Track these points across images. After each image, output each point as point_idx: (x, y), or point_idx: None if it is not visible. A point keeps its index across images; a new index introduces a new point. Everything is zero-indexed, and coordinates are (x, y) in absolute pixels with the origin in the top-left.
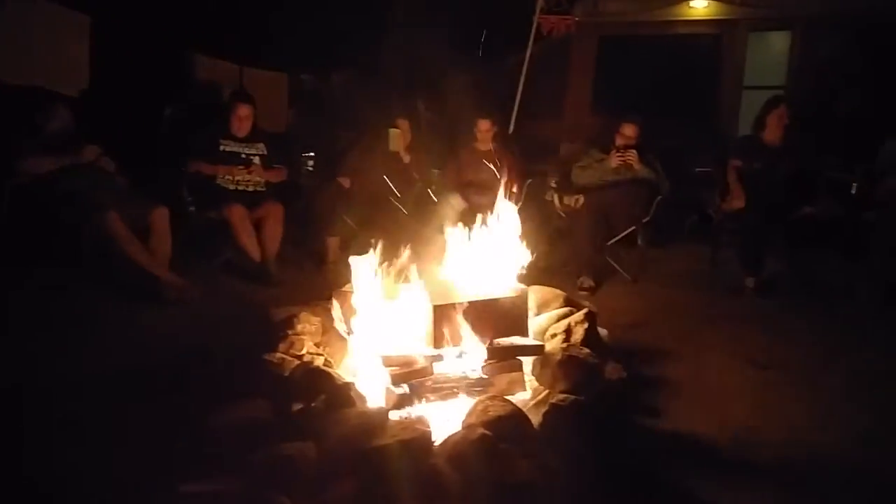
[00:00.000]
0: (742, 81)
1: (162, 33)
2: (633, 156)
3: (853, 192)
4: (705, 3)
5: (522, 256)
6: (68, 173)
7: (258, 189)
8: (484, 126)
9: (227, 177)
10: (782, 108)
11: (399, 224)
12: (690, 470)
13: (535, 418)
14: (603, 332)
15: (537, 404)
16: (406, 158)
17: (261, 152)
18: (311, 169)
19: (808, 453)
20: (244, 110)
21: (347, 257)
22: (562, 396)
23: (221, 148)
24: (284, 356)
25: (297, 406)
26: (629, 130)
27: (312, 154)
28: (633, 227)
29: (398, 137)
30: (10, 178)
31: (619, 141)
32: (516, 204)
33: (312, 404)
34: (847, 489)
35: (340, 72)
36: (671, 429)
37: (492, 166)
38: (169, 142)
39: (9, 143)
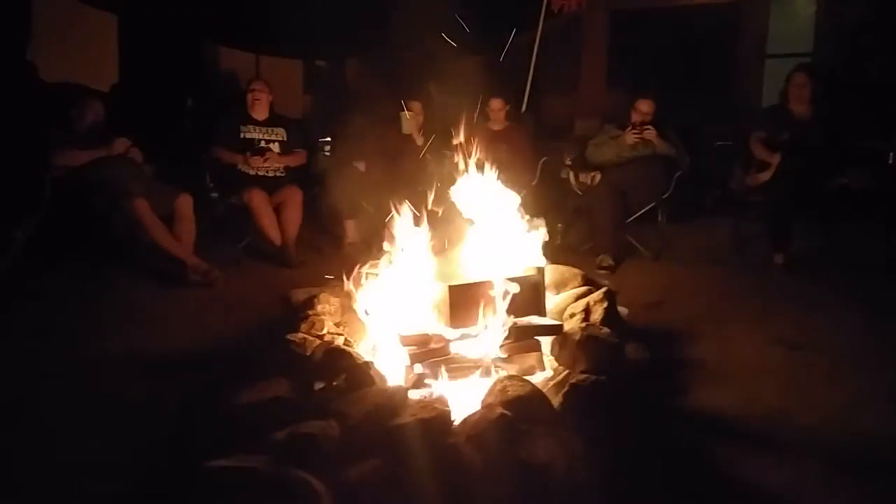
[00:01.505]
0: (765, 50)
1: (181, 27)
2: (650, 132)
3: (890, 161)
4: None
5: (539, 235)
6: (99, 164)
7: (278, 174)
8: (496, 105)
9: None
10: (801, 76)
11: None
12: (718, 449)
13: (555, 398)
14: (623, 310)
15: (557, 384)
16: (419, 140)
17: (280, 138)
18: (327, 154)
19: (847, 434)
20: (260, 90)
21: (364, 239)
22: (582, 376)
23: (242, 135)
24: (306, 336)
25: (319, 385)
26: (645, 106)
27: (329, 139)
28: (652, 204)
29: (411, 120)
30: (48, 170)
31: (634, 117)
32: (531, 182)
33: (334, 383)
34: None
35: (353, 56)
36: (697, 408)
37: (505, 145)
38: (191, 131)
39: (46, 137)
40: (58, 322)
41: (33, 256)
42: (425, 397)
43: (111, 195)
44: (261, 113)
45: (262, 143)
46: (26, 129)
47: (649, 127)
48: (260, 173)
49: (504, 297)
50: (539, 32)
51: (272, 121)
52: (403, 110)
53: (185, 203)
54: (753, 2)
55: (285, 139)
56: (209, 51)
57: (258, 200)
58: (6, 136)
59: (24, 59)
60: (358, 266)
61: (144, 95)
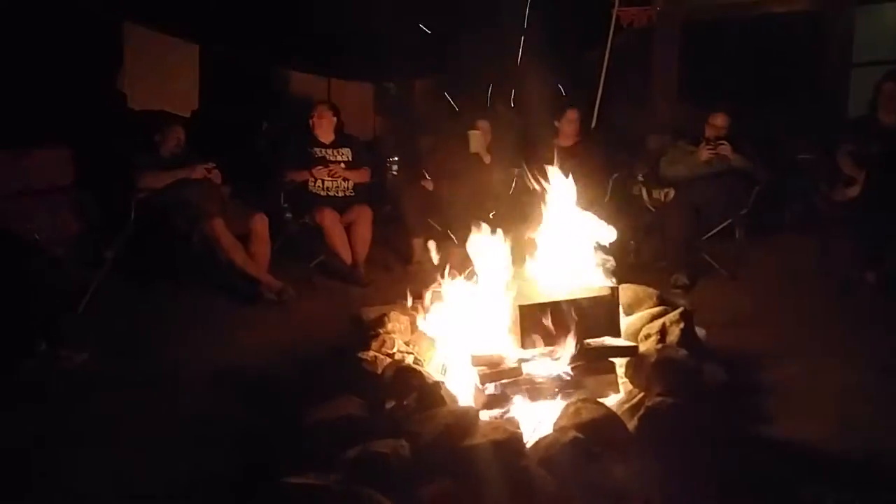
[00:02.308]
0: (850, 59)
1: (257, 55)
2: (724, 147)
3: None
4: None
5: (612, 253)
6: (181, 186)
7: (348, 194)
8: (571, 115)
9: (318, 183)
10: (891, 85)
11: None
12: (805, 480)
13: (630, 422)
14: (700, 331)
15: (632, 407)
16: (487, 159)
17: (346, 158)
18: (395, 173)
19: None
20: (325, 114)
21: (432, 258)
22: (658, 400)
23: (309, 156)
24: (377, 354)
25: (390, 404)
26: (719, 120)
27: (397, 159)
28: (729, 220)
29: (479, 139)
30: (134, 193)
31: (708, 132)
32: (603, 199)
33: (405, 402)
34: None
35: (422, 78)
36: (782, 436)
37: (576, 161)
38: (266, 154)
39: (133, 161)
40: (140, 337)
41: (120, 273)
42: (496, 418)
43: (191, 215)
44: (326, 135)
45: (328, 161)
46: (116, 155)
47: (724, 142)
48: (331, 194)
49: (576, 317)
50: (608, 47)
51: (338, 142)
52: (472, 129)
53: (261, 223)
54: (838, 9)
55: (351, 159)
56: (283, 76)
57: (330, 220)
58: (99, 162)
59: (115, 88)
60: (427, 284)
61: (222, 120)
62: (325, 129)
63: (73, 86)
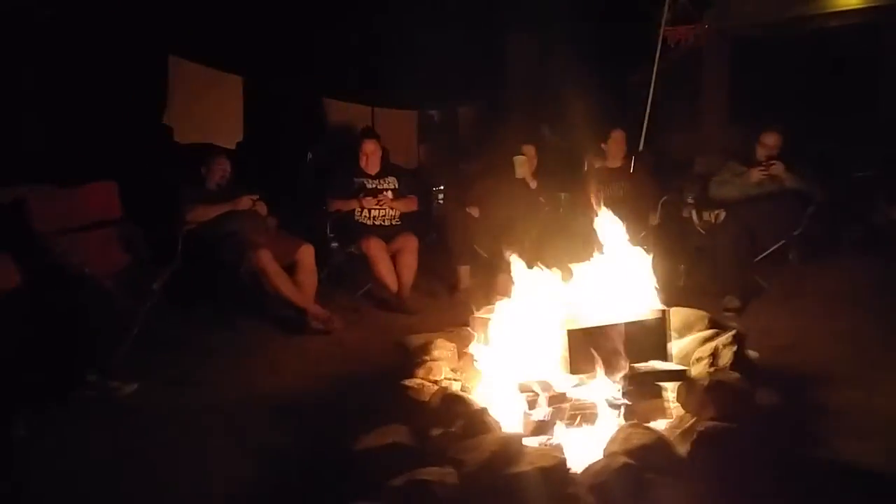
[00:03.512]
0: None
1: (301, 86)
2: (776, 166)
3: None
4: None
5: (661, 276)
6: (227, 218)
7: (394, 223)
8: (618, 136)
9: (364, 213)
10: None
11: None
12: None
13: (682, 447)
14: (753, 354)
15: (683, 432)
16: (533, 184)
17: (392, 186)
18: (441, 201)
19: None
20: (370, 146)
21: (478, 285)
22: (710, 424)
23: (355, 186)
24: (423, 381)
25: (436, 431)
26: (771, 140)
27: (442, 187)
28: (782, 241)
29: (524, 164)
30: (181, 225)
31: (760, 152)
32: (653, 222)
33: (451, 429)
34: None
35: (465, 104)
36: (839, 462)
37: (624, 183)
38: (311, 183)
39: (180, 194)
40: (189, 369)
41: (168, 304)
42: (543, 445)
43: (237, 246)
44: (373, 168)
45: (374, 190)
46: (163, 189)
47: (775, 162)
48: (377, 223)
49: (625, 342)
50: (655, 67)
51: (384, 171)
52: (517, 154)
53: (307, 253)
54: (893, 21)
55: (397, 187)
56: (327, 105)
57: (375, 249)
58: (146, 196)
59: (160, 122)
60: (473, 311)
61: (268, 151)
62: (372, 164)
63: (120, 120)
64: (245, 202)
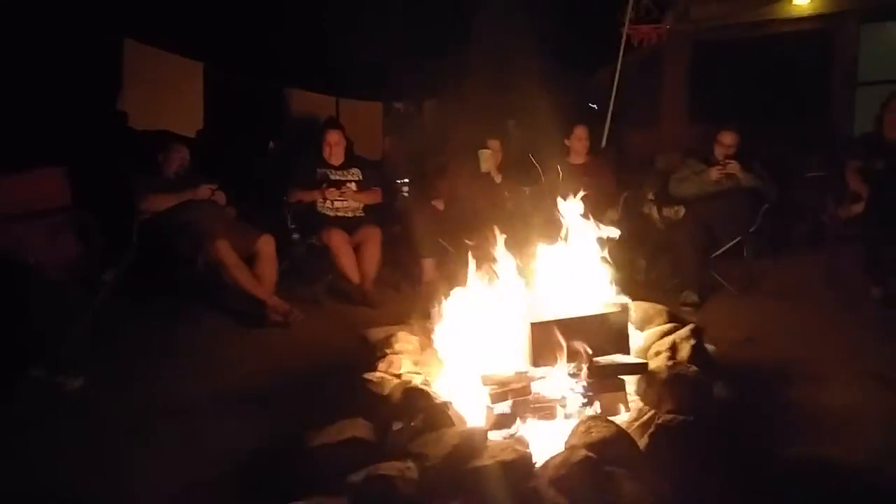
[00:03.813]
0: (856, 77)
1: (264, 74)
2: (733, 165)
3: None
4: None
5: (620, 271)
6: (184, 207)
7: (357, 214)
8: (580, 133)
9: (326, 203)
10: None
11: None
12: (818, 500)
13: (641, 440)
14: (711, 348)
15: (642, 425)
16: (497, 178)
17: (356, 178)
18: (406, 194)
19: None
20: (334, 136)
21: (442, 278)
22: (669, 417)
23: (318, 177)
24: (384, 375)
25: (397, 425)
26: (728, 139)
27: (408, 180)
28: (738, 238)
29: (489, 158)
30: (136, 215)
31: (717, 150)
32: (614, 217)
33: (412, 423)
34: None
35: (431, 97)
36: (794, 453)
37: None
38: (272, 173)
39: (135, 183)
40: (142, 362)
41: (121, 296)
42: (505, 438)
43: (195, 237)
44: (336, 159)
45: (337, 181)
46: (116, 176)
47: (732, 161)
48: (340, 214)
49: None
50: (619, 66)
51: (348, 162)
52: (482, 148)
53: (267, 244)
54: (843, 28)
55: (361, 179)
56: (290, 95)
57: (338, 240)
58: (97, 183)
59: (114, 108)
60: (436, 304)
61: (228, 140)
62: (336, 155)
63: (70, 104)
64: (204, 191)
